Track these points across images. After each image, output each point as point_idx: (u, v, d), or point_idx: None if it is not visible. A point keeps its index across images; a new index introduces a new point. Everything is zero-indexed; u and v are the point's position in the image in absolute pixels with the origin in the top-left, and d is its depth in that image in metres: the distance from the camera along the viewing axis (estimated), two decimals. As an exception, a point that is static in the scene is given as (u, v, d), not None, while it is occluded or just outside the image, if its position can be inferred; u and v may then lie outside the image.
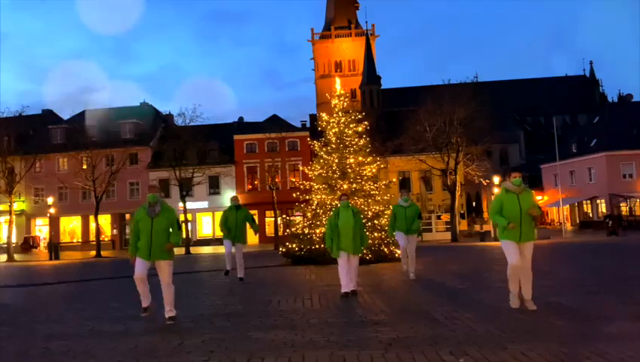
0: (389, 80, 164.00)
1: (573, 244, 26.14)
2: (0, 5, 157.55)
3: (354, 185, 17.61)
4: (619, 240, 27.95)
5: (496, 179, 37.42)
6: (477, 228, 41.92)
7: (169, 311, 7.04)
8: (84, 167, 38.08)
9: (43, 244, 46.20)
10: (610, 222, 34.34)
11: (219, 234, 46.99)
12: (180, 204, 37.58)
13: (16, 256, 35.14)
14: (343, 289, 8.81)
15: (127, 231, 46.75)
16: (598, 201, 47.93)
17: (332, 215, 9.14)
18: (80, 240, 47.42)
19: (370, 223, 17.03)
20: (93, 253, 35.78)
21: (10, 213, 36.42)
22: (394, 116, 48.37)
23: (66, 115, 51.01)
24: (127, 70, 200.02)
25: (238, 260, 11.78)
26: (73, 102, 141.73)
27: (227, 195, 47.29)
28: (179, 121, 40.28)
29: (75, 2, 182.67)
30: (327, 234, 9.06)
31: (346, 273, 8.81)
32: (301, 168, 35.69)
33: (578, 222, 50.81)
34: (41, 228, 48.40)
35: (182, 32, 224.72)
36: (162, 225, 6.95)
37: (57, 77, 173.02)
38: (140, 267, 7.04)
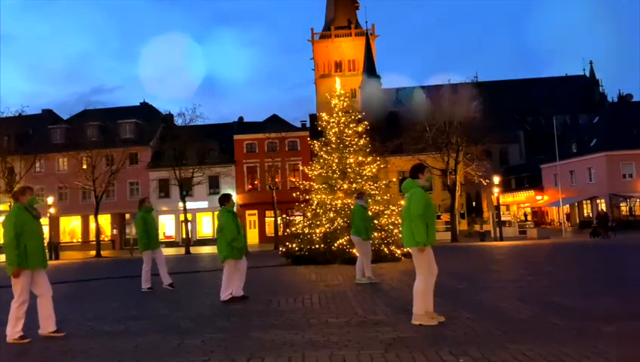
0: (389, 80, 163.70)
1: (573, 244, 26.13)
2: (2, 7, 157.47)
3: (354, 185, 17.60)
4: (607, 241, 27.85)
5: (496, 179, 37.42)
6: (477, 228, 41.91)
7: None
8: (84, 167, 38.07)
9: (43, 244, 46.12)
10: (596, 223, 33.73)
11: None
12: (180, 204, 37.71)
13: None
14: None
15: (127, 231, 46.73)
16: (598, 201, 47.91)
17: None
18: (80, 240, 47.40)
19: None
20: (93, 252, 35.78)
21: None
22: (394, 116, 48.36)
23: (66, 115, 51.03)
24: (128, 70, 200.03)
25: (163, 266, 11.05)
26: (74, 102, 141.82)
27: (227, 195, 47.37)
28: (179, 121, 40.29)
29: (79, 3, 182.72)
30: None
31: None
32: (301, 168, 35.73)
33: (578, 222, 50.81)
34: (41, 228, 48.34)
35: (184, 33, 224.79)
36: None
37: (59, 77, 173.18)
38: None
